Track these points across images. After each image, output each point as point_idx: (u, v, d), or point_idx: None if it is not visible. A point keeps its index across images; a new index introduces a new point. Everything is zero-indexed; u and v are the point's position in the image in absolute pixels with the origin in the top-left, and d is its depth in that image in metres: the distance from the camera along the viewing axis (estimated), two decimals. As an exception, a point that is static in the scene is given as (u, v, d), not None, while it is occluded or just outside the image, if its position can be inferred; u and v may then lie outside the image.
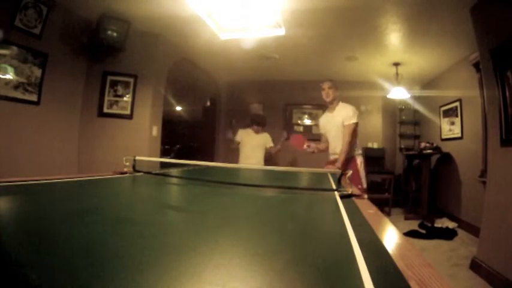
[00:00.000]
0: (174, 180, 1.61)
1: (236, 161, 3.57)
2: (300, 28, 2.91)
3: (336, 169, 2.39)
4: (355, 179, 2.51)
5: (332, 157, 2.62)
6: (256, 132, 3.58)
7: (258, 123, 3.60)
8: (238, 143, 3.58)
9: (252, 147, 3.53)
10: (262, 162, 3.57)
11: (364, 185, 2.56)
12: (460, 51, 3.31)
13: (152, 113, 3.19)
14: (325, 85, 2.61)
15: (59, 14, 2.61)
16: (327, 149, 2.72)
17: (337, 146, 2.56)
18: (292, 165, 4.76)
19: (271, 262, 0.42)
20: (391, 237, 0.61)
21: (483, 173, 2.96)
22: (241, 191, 1.25)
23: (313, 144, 2.72)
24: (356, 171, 2.53)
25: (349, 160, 2.51)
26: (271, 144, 3.62)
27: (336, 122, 2.55)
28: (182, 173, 1.89)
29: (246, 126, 3.74)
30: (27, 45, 2.37)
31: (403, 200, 4.55)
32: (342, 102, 2.63)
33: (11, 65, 2.28)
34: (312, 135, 5.05)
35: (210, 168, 2.28)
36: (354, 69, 4.23)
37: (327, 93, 2.59)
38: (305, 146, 2.68)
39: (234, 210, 0.88)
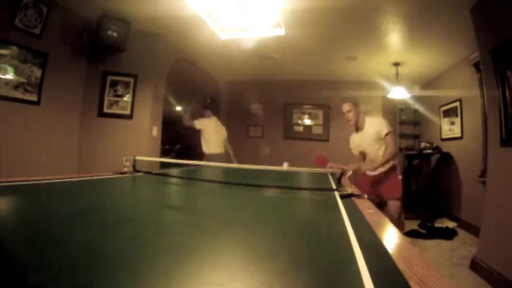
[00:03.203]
0: (174, 180, 1.61)
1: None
2: (300, 28, 2.90)
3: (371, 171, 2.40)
4: (397, 188, 2.49)
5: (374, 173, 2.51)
6: (208, 117, 3.64)
7: (214, 107, 3.67)
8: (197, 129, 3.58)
9: (213, 132, 3.62)
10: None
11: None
12: (460, 51, 3.31)
13: (152, 113, 3.19)
14: (344, 109, 2.48)
15: (59, 14, 2.61)
16: (359, 169, 2.48)
17: (378, 158, 2.45)
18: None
19: (271, 262, 0.42)
20: (391, 237, 0.61)
21: (483, 173, 2.96)
22: (241, 190, 1.25)
23: (335, 166, 2.46)
24: (398, 180, 2.53)
25: (392, 169, 2.47)
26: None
27: (370, 138, 2.42)
28: (182, 173, 1.89)
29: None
30: (27, 45, 2.37)
31: (403, 200, 4.54)
32: (367, 117, 2.52)
33: (11, 65, 2.28)
34: (312, 135, 5.05)
35: (209, 168, 2.29)
36: (354, 69, 4.22)
37: (347, 118, 2.48)
38: (329, 166, 2.49)
39: (234, 210, 0.88)
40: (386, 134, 2.36)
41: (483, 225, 2.22)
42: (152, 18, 2.83)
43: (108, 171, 1.49)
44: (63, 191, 1.01)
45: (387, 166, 2.41)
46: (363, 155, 2.60)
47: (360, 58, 3.78)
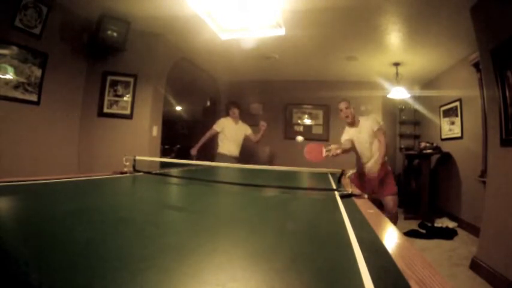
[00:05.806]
0: (174, 180, 1.61)
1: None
2: (300, 28, 2.90)
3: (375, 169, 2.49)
4: (394, 184, 2.62)
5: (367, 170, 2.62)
6: (235, 119, 3.70)
7: (237, 106, 3.71)
8: (218, 132, 3.63)
9: (233, 135, 3.64)
10: (239, 149, 3.71)
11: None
12: (460, 51, 3.31)
13: (152, 113, 3.19)
14: (342, 106, 2.66)
15: (59, 14, 2.61)
16: (347, 152, 2.68)
17: (372, 155, 2.62)
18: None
19: (271, 262, 0.42)
20: (391, 237, 0.61)
21: (483, 173, 2.96)
22: (241, 190, 1.25)
23: (332, 146, 2.29)
24: (392, 176, 2.65)
25: (387, 167, 2.61)
26: (250, 131, 3.74)
27: (366, 133, 2.60)
28: (182, 173, 1.89)
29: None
30: (27, 45, 2.37)
31: (403, 200, 4.54)
32: (359, 116, 2.72)
33: (11, 65, 2.28)
34: (312, 135, 5.05)
35: (209, 168, 2.28)
36: (354, 69, 4.22)
37: (345, 114, 2.65)
38: (324, 154, 2.19)
39: (234, 210, 0.88)
40: (378, 129, 2.56)
41: (483, 225, 2.22)
42: (152, 18, 2.83)
43: (108, 171, 1.49)
44: (63, 190, 1.01)
45: (382, 157, 2.54)
46: (349, 150, 2.70)
47: (360, 58, 3.78)
